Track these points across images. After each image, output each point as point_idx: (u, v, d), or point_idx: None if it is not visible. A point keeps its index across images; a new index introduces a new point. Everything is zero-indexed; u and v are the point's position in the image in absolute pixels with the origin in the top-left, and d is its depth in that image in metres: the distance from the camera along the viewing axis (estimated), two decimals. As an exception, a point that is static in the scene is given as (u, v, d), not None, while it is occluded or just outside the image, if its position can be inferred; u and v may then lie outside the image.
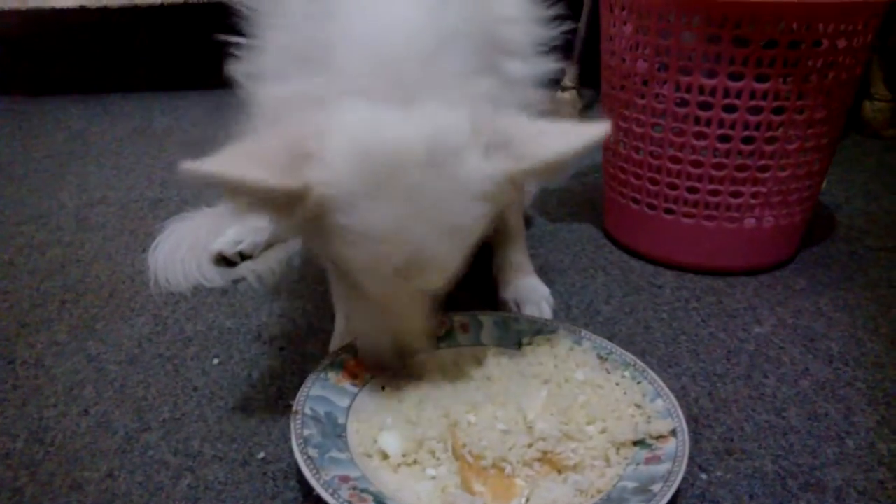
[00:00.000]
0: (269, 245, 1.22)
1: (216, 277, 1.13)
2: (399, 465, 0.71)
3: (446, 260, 0.70)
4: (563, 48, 0.86)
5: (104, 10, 2.17)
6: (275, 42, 0.76)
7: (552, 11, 0.85)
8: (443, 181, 0.66)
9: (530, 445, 0.70)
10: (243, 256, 1.18)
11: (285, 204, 0.66)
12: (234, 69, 0.79)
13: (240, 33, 0.81)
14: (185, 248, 1.18)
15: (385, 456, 0.72)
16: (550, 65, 0.83)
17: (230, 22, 0.81)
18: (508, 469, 0.69)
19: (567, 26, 0.87)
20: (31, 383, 0.89)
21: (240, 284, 1.12)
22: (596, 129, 0.69)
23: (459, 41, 0.70)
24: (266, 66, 0.76)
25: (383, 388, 0.81)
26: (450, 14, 0.70)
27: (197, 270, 1.14)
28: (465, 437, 0.71)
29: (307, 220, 0.67)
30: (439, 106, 0.66)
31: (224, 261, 1.17)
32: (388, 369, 0.80)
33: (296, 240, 0.99)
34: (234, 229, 1.20)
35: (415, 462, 0.72)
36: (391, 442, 0.72)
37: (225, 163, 0.63)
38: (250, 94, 0.77)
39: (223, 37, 0.81)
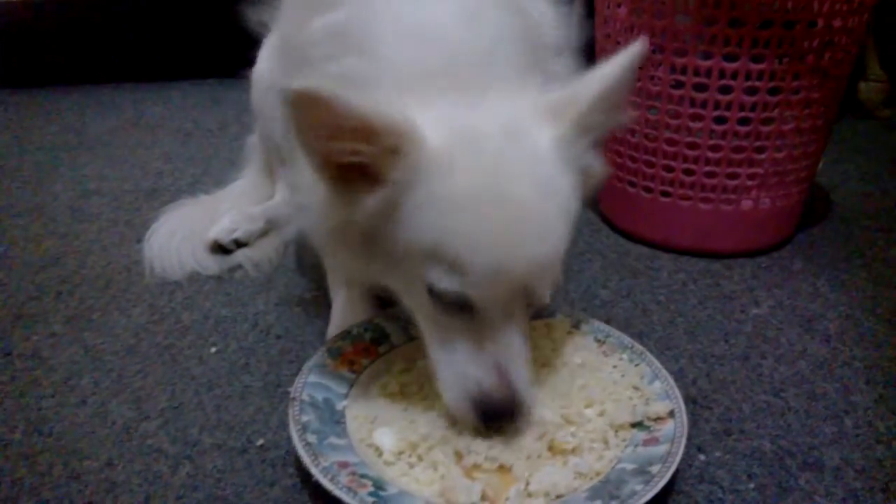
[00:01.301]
0: (264, 233, 1.22)
1: (212, 265, 1.13)
2: (393, 463, 0.70)
3: (554, 229, 0.66)
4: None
5: (95, 1, 2.16)
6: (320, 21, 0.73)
7: (574, 11, 0.85)
8: (522, 150, 0.65)
9: (531, 437, 0.70)
10: (239, 244, 1.18)
11: (373, 164, 0.62)
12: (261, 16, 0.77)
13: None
14: (181, 236, 1.17)
15: (380, 452, 0.71)
16: (577, 63, 0.82)
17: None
18: (509, 462, 0.68)
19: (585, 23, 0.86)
20: (29, 375, 0.88)
21: (236, 273, 1.11)
22: (623, 57, 0.69)
23: (509, 42, 0.71)
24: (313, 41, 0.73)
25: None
26: (493, 18, 0.71)
27: (192, 258, 1.14)
28: (463, 439, 0.70)
29: (394, 191, 0.63)
30: (505, 93, 0.66)
31: (220, 248, 1.17)
32: (498, 420, 0.69)
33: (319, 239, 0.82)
34: (230, 217, 1.20)
35: (410, 457, 0.70)
36: (386, 440, 0.71)
37: (339, 91, 0.58)
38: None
39: None
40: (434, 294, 0.66)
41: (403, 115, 0.61)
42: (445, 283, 0.64)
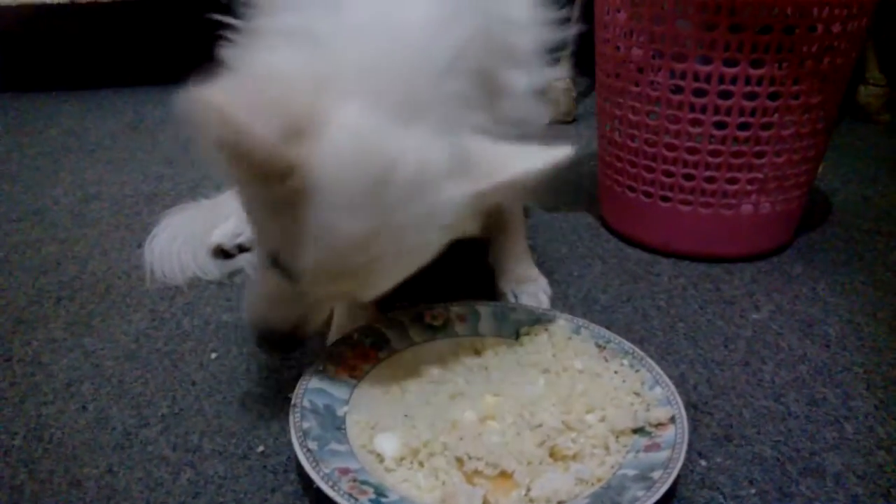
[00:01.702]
0: None
1: (213, 269, 1.13)
2: (394, 469, 0.70)
3: (391, 279, 0.72)
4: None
5: (95, 5, 2.16)
6: (274, 24, 0.73)
7: (559, 14, 0.84)
8: (417, 207, 0.66)
9: (531, 444, 0.70)
10: (241, 249, 1.18)
11: (269, 172, 0.63)
12: (225, 53, 0.78)
13: (234, 16, 0.79)
14: (182, 241, 1.17)
15: (381, 458, 0.71)
16: (552, 73, 0.82)
17: (223, 8, 0.79)
18: (509, 468, 0.68)
19: (572, 28, 0.86)
20: (29, 380, 0.88)
21: (236, 278, 1.11)
22: (556, 153, 0.70)
23: (468, 59, 0.70)
24: (261, 45, 0.73)
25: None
26: (463, 26, 0.69)
27: (193, 262, 1.14)
28: (464, 445, 0.70)
29: (277, 197, 0.65)
30: (434, 132, 0.66)
31: (222, 253, 1.17)
32: (276, 346, 0.81)
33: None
34: (233, 221, 1.20)
35: (411, 464, 0.70)
36: (387, 446, 0.71)
37: (231, 98, 0.60)
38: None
39: (216, 17, 0.80)
40: (274, 256, 0.72)
41: (293, 150, 0.62)
42: (289, 264, 0.70)
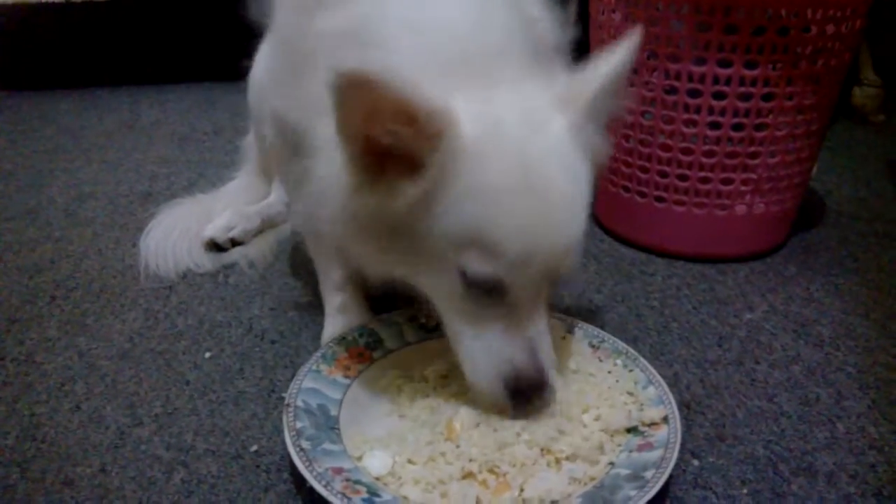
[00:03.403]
0: (259, 231, 1.22)
1: (207, 263, 1.14)
2: (386, 483, 0.68)
3: (582, 211, 0.69)
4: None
5: (91, 4, 2.15)
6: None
7: (568, 16, 0.85)
8: (544, 139, 0.67)
9: (525, 443, 0.70)
10: (234, 242, 1.18)
11: (418, 151, 0.62)
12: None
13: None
14: (177, 234, 1.18)
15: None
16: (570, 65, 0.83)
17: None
18: (503, 468, 0.68)
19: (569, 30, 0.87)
20: (22, 380, 0.88)
21: (230, 277, 1.11)
22: (626, 43, 0.72)
23: (516, 38, 0.72)
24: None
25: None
26: (500, 15, 0.72)
27: (188, 256, 1.14)
28: (458, 446, 0.70)
29: (433, 178, 0.63)
30: (521, 86, 0.68)
31: (215, 246, 1.17)
32: (529, 397, 0.72)
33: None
34: (226, 216, 1.21)
35: (401, 478, 0.69)
36: (376, 463, 0.70)
37: (385, 71, 0.58)
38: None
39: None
40: (466, 279, 0.67)
41: (445, 101, 0.62)
42: (480, 267, 0.66)
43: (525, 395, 0.71)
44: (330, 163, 0.68)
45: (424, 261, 0.69)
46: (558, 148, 0.68)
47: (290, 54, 0.80)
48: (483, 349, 0.71)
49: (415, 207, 0.65)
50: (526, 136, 0.66)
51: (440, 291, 0.72)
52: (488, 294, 0.68)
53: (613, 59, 0.72)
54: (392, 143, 0.62)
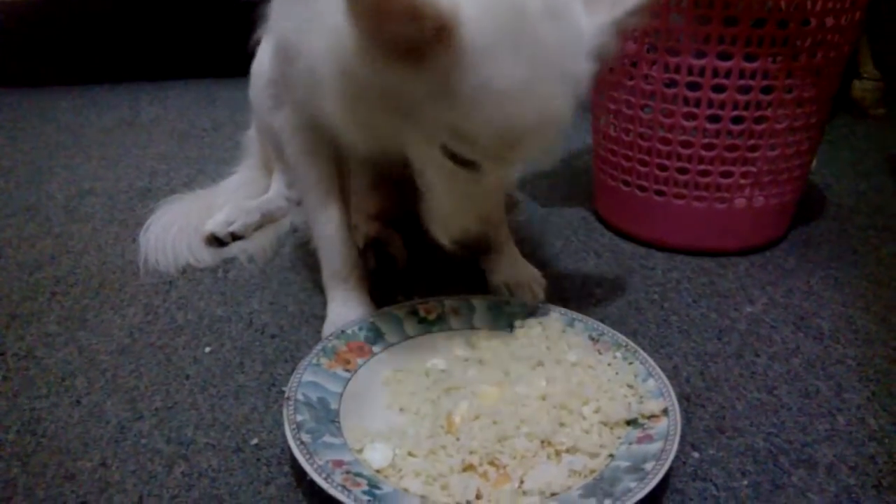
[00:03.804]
0: (259, 226, 1.23)
1: (206, 257, 1.14)
2: (386, 475, 0.69)
3: (567, 117, 0.73)
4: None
5: (89, 1, 2.15)
6: None
7: None
8: (563, 33, 0.70)
9: (525, 436, 0.70)
10: (235, 237, 1.18)
11: (422, 47, 0.65)
12: None
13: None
14: (177, 229, 1.18)
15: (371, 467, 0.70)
16: None
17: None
18: (503, 461, 0.68)
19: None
20: (23, 375, 0.88)
21: (230, 272, 1.11)
22: None
23: None
24: None
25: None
26: None
27: (188, 250, 1.14)
28: (458, 438, 0.70)
29: (436, 73, 0.66)
30: None
31: (216, 241, 1.17)
32: (471, 248, 0.83)
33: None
34: (226, 210, 1.21)
35: (401, 471, 0.69)
36: (377, 456, 0.70)
37: None
38: None
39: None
40: (446, 150, 0.73)
41: (449, 1, 0.63)
42: (461, 149, 0.72)
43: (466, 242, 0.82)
44: (330, 33, 0.70)
45: (410, 128, 0.74)
46: (569, 47, 0.71)
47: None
48: (445, 207, 0.80)
49: (412, 87, 0.69)
50: (538, 31, 0.68)
51: (419, 150, 0.78)
52: (464, 164, 0.74)
53: None
54: (399, 38, 0.65)
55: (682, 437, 0.72)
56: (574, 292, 1.06)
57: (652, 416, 0.74)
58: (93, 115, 1.94)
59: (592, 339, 0.86)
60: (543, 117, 0.71)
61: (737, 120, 1.08)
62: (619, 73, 1.14)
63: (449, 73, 0.67)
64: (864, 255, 1.18)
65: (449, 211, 0.81)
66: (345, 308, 0.93)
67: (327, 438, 0.71)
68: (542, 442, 0.70)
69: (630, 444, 0.71)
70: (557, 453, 0.70)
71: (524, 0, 0.67)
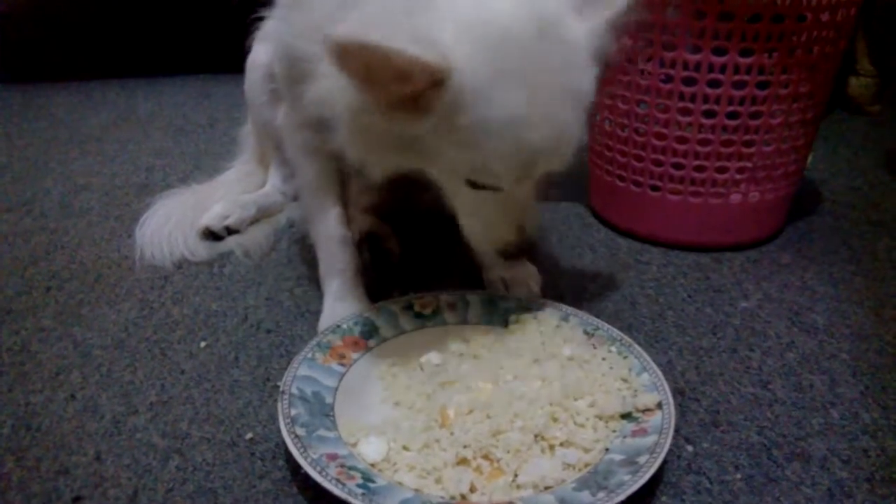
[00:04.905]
0: (255, 220, 1.23)
1: (202, 252, 1.14)
2: (381, 469, 0.69)
3: (577, 130, 0.74)
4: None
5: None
6: None
7: None
8: (559, 50, 0.70)
9: (519, 430, 0.70)
10: (230, 231, 1.18)
11: (419, 97, 0.66)
12: None
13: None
14: (173, 223, 1.18)
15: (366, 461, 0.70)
16: None
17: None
18: (497, 454, 0.68)
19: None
20: (18, 369, 0.88)
21: (226, 267, 1.11)
22: None
23: None
24: None
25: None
26: None
27: (183, 244, 1.14)
28: (453, 432, 0.70)
29: (439, 119, 0.67)
30: None
31: (211, 235, 1.17)
32: (513, 255, 0.84)
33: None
34: (222, 204, 1.21)
35: (395, 465, 0.70)
36: (371, 450, 0.70)
37: (374, 35, 0.61)
38: None
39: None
40: (468, 181, 0.76)
41: (437, 53, 0.64)
42: (483, 179, 0.75)
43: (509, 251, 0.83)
44: (338, 83, 0.69)
45: (428, 163, 0.77)
46: (567, 62, 0.71)
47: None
48: (480, 224, 0.82)
49: (421, 131, 0.70)
50: (532, 56, 0.68)
51: (443, 179, 0.80)
52: (490, 187, 0.76)
53: None
54: (394, 95, 0.65)
55: (677, 430, 0.72)
56: (569, 287, 1.06)
57: (646, 410, 0.74)
58: (89, 111, 1.93)
59: (587, 333, 0.86)
60: (554, 136, 0.72)
61: (732, 115, 1.08)
62: (614, 68, 1.14)
63: (451, 115, 0.68)
64: (858, 250, 1.18)
65: (486, 227, 0.82)
66: (341, 303, 0.93)
67: (322, 432, 0.71)
68: (536, 436, 0.70)
69: (624, 437, 0.71)
70: (551, 447, 0.70)
71: (514, 27, 0.67)
